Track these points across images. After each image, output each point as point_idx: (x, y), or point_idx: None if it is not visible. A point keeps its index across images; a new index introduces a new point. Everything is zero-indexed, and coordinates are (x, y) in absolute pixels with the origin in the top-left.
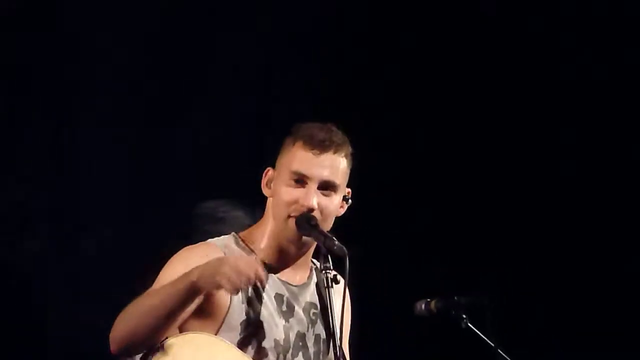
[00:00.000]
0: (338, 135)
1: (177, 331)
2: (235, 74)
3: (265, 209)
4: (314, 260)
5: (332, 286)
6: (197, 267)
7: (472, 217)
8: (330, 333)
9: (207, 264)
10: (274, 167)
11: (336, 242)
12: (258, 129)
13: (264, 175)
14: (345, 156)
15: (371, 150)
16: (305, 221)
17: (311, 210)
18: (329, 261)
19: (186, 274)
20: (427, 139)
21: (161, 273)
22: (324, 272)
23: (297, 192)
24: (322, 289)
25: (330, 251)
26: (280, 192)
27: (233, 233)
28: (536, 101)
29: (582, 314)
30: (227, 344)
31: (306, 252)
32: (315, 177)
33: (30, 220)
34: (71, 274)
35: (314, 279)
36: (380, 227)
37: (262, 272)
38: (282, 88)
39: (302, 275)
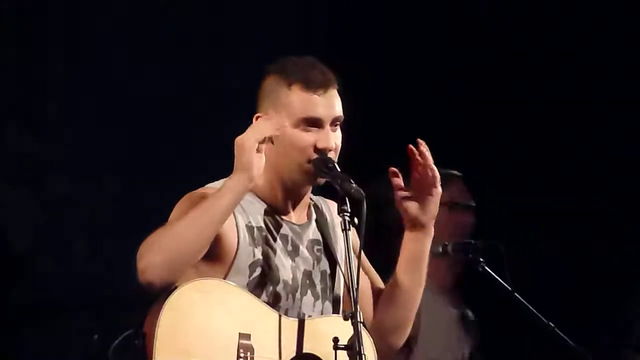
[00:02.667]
0: (327, 69)
1: (185, 278)
2: None
3: None
4: (313, 198)
5: (349, 229)
6: (229, 178)
7: (489, 161)
8: (334, 267)
9: (235, 164)
10: (253, 111)
11: (353, 185)
12: None
13: (254, 120)
14: (338, 88)
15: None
16: (324, 164)
17: (329, 151)
18: (346, 204)
19: (223, 188)
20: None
21: (172, 217)
22: (341, 214)
23: (311, 136)
24: (323, 225)
25: (347, 194)
26: (292, 138)
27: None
28: None
29: (598, 260)
30: (238, 288)
31: (308, 191)
32: (328, 117)
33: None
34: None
35: (314, 216)
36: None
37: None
38: None
39: (303, 214)
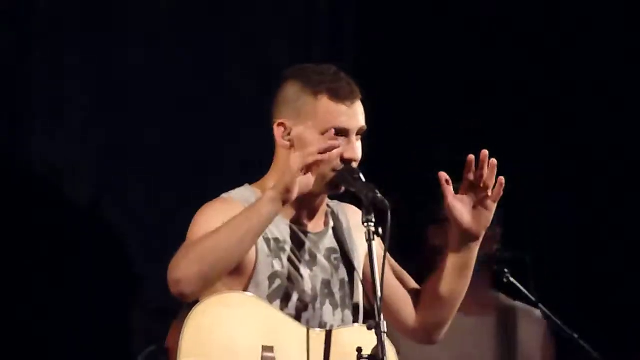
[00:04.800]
0: (351, 79)
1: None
2: None
3: (276, 160)
4: (329, 203)
5: (374, 239)
6: (268, 191)
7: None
8: (352, 275)
9: (278, 180)
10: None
11: (378, 195)
12: None
13: (276, 127)
14: (362, 98)
15: None
16: (349, 174)
17: (355, 161)
18: (371, 213)
19: (263, 199)
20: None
21: (196, 228)
22: (365, 224)
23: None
24: (340, 232)
25: (373, 204)
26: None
27: (247, 185)
28: None
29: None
30: (259, 300)
31: (325, 199)
32: (354, 128)
33: None
34: None
35: (331, 223)
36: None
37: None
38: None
39: (319, 222)
